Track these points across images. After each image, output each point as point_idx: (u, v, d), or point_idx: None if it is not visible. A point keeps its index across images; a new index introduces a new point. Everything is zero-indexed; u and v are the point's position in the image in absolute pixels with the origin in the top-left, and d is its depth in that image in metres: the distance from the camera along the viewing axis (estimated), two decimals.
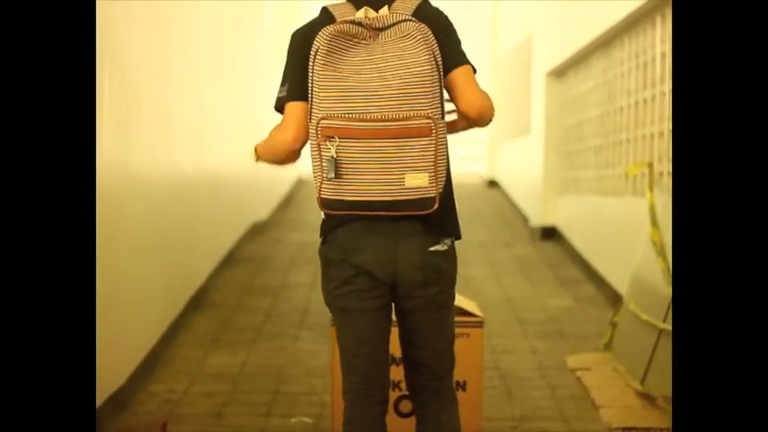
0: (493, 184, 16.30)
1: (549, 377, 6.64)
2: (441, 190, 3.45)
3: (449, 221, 3.62)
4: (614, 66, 9.51)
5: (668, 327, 5.98)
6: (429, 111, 3.42)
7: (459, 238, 3.67)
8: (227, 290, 9.20)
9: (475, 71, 3.67)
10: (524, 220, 13.38)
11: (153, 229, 6.65)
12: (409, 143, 3.41)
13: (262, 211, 12.94)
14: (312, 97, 3.47)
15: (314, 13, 3.68)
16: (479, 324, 4.97)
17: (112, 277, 5.39)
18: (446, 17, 3.67)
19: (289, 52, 3.64)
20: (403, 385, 4.76)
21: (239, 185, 11.04)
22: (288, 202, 15.57)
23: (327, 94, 3.42)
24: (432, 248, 3.55)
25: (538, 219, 12.52)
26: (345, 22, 3.46)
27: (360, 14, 3.51)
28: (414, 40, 3.44)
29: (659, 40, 7.86)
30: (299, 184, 17.66)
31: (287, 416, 5.74)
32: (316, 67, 3.43)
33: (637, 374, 6.30)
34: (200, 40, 8.58)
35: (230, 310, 8.47)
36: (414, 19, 3.49)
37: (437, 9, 3.67)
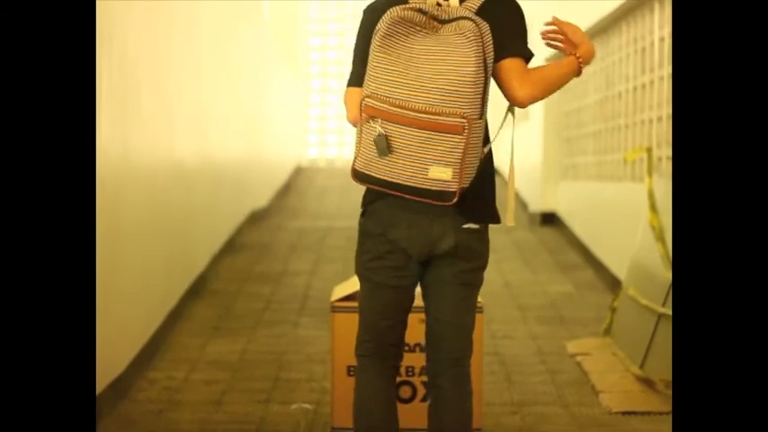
0: None
1: (549, 362, 6.65)
2: (465, 185, 3.56)
3: (481, 207, 3.75)
4: (613, 51, 9.51)
5: (667, 311, 5.99)
6: (467, 110, 3.51)
7: (495, 222, 3.81)
8: (227, 277, 9.21)
9: (529, 59, 3.77)
10: (524, 205, 13.39)
11: (152, 216, 6.65)
12: (439, 137, 3.52)
13: (261, 199, 12.95)
14: (367, 71, 3.62)
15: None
16: (479, 309, 4.98)
17: (112, 265, 5.40)
18: (514, 7, 3.76)
19: (359, 28, 3.80)
20: (403, 371, 4.78)
21: (239, 173, 11.04)
22: (287, 189, 15.58)
23: (376, 75, 3.56)
24: (465, 226, 3.71)
25: (537, 204, 12.53)
26: (413, 9, 3.54)
27: (431, 2, 3.59)
28: (467, 40, 3.50)
29: (657, 25, 7.87)
30: (298, 172, 17.68)
31: (287, 402, 5.75)
32: (374, 47, 3.58)
33: (636, 359, 6.32)
34: (200, 28, 8.58)
35: (230, 298, 8.47)
36: (474, 18, 3.54)
37: (509, 1, 3.76)
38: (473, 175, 3.60)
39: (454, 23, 3.53)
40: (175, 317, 7.36)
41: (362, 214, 3.82)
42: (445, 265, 3.76)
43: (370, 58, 3.59)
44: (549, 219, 12.18)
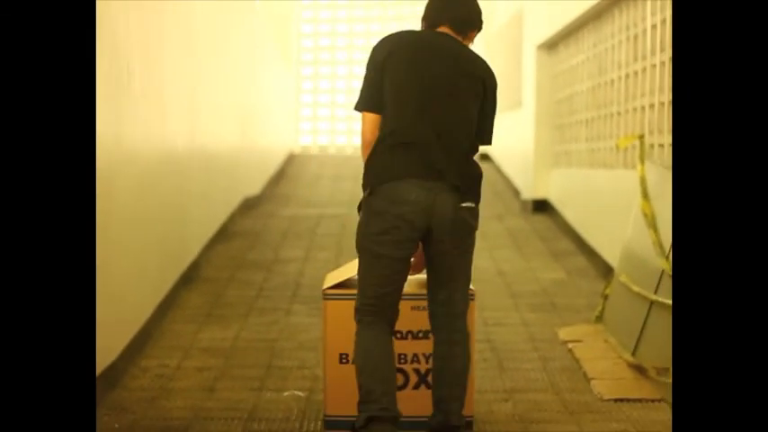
0: (484, 157, 16.30)
1: (541, 349, 6.66)
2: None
3: (473, 190, 4.52)
4: (605, 39, 9.51)
5: (659, 298, 6.00)
6: None
7: (479, 202, 4.57)
8: (220, 264, 9.21)
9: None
10: (516, 193, 13.40)
11: (145, 204, 6.64)
12: None
13: (254, 186, 12.94)
14: None
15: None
16: (471, 296, 4.99)
17: (104, 252, 5.39)
18: None
19: None
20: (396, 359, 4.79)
21: (231, 160, 11.04)
22: (280, 176, 15.57)
23: None
24: (462, 204, 4.46)
25: (529, 192, 12.54)
26: None
27: None
28: None
29: (650, 12, 7.86)
30: (291, 159, 17.67)
31: (279, 389, 5.76)
32: None
33: (628, 346, 6.33)
34: (193, 15, 8.56)
35: (222, 285, 8.48)
36: None
37: None
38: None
39: None
40: (168, 304, 7.37)
41: (369, 194, 4.45)
42: (446, 241, 4.47)
43: None
44: (542, 206, 12.19)
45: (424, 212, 4.40)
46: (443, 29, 4.63)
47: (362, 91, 4.59)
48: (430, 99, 4.48)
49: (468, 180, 4.49)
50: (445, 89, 4.50)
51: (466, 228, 4.50)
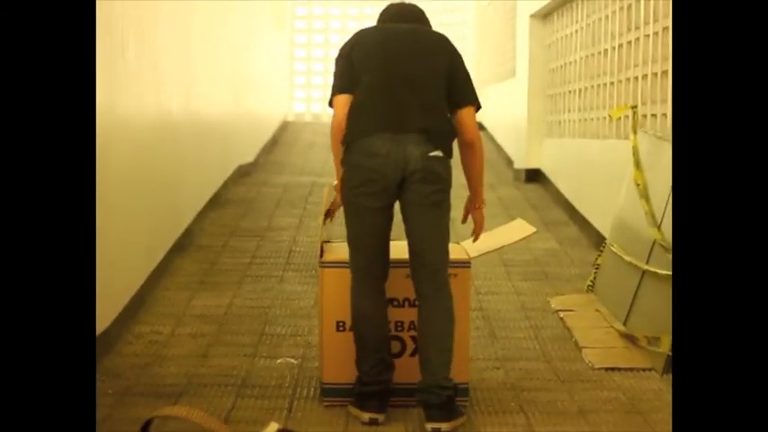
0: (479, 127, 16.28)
1: (533, 318, 6.69)
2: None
3: (443, 143, 4.72)
4: (598, 9, 9.50)
5: (651, 268, 6.03)
6: None
7: (450, 157, 4.75)
8: (213, 232, 9.22)
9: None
10: (509, 162, 13.40)
11: (139, 171, 6.65)
12: None
13: (248, 154, 12.93)
14: None
15: None
16: (467, 264, 5.02)
17: (99, 219, 5.40)
18: None
19: None
20: (393, 326, 4.83)
21: (225, 128, 11.02)
22: (273, 144, 15.55)
23: None
24: (430, 154, 4.64)
25: (522, 161, 12.54)
26: None
27: None
28: None
29: None
30: (284, 127, 17.64)
31: (272, 357, 5.79)
32: None
33: (619, 315, 6.36)
34: None
35: (216, 252, 8.49)
36: None
37: None
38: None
39: None
40: (161, 271, 7.38)
41: (345, 150, 4.74)
42: (415, 189, 4.65)
43: None
44: (534, 175, 12.20)
45: (396, 164, 4.63)
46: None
47: (333, 83, 4.88)
48: (398, 66, 4.75)
49: (437, 133, 4.69)
50: (410, 58, 4.78)
51: (435, 177, 4.66)
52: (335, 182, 4.91)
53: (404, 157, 4.62)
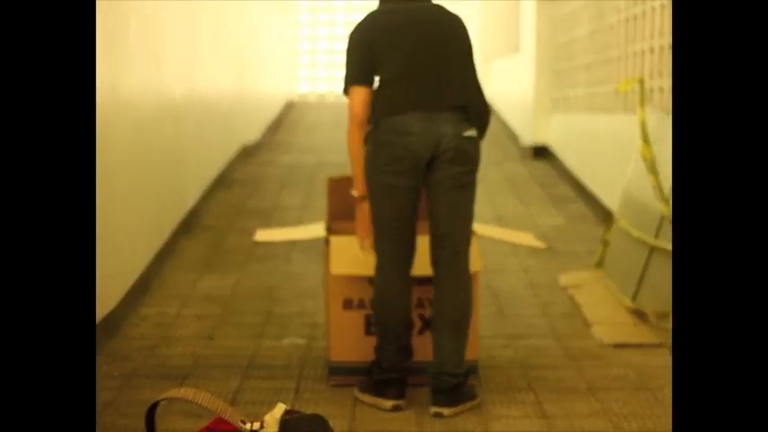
0: None
1: (541, 295, 6.66)
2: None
3: (480, 121, 4.66)
4: None
5: (660, 243, 5.99)
6: None
7: (482, 137, 4.71)
8: (218, 212, 9.20)
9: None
10: (515, 138, 13.36)
11: (143, 152, 6.62)
12: None
13: (253, 134, 12.91)
14: None
15: None
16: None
17: (102, 201, 5.37)
18: None
19: None
20: None
21: (229, 108, 10.99)
22: (278, 124, 15.53)
23: None
24: (464, 134, 4.55)
25: (529, 137, 12.50)
26: None
27: None
28: None
29: None
30: (289, 106, 17.62)
31: (279, 337, 5.76)
32: None
33: (628, 291, 6.32)
34: None
35: (221, 233, 8.46)
36: None
37: None
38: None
39: None
40: (167, 252, 7.36)
41: (375, 127, 4.59)
42: (444, 169, 4.54)
43: None
44: (541, 152, 12.16)
45: (427, 142, 4.51)
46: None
47: (348, 72, 4.68)
48: (425, 46, 4.63)
49: (472, 112, 4.60)
50: (435, 38, 4.67)
51: (465, 158, 4.57)
52: (355, 191, 4.76)
53: (437, 135, 4.51)
